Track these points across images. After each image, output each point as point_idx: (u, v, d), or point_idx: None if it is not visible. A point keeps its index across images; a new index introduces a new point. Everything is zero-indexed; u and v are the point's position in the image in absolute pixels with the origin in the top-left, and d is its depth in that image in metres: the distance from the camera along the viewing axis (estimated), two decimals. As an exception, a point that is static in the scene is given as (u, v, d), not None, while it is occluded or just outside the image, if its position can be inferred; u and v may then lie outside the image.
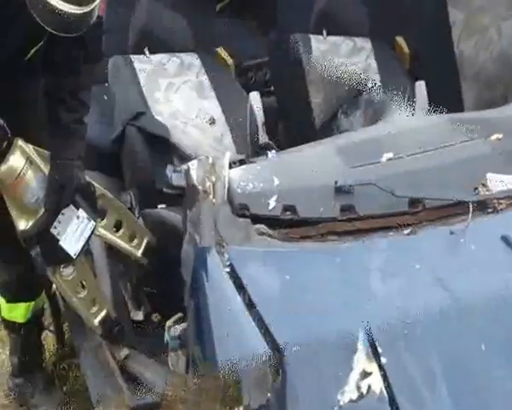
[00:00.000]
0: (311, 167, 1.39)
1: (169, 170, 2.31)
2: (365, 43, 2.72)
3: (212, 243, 1.27)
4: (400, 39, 2.77)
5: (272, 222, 1.32)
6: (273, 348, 1.11)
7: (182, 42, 2.79)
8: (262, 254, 1.24)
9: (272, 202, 1.32)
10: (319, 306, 1.16)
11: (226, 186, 1.33)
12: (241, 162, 1.46)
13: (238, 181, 1.34)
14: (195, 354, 1.27)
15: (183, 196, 1.53)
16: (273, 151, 1.46)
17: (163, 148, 2.31)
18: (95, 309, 1.98)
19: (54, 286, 2.15)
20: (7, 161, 1.71)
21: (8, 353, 2.38)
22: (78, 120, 1.79)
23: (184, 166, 1.37)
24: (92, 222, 1.88)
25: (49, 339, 2.41)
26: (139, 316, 2.12)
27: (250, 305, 1.17)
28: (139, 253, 2.06)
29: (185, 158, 2.28)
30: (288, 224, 1.32)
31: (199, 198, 1.31)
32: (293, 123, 2.51)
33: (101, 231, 1.99)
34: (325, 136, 2.51)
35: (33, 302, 2.13)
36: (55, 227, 1.79)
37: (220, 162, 1.35)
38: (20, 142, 1.73)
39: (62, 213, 1.80)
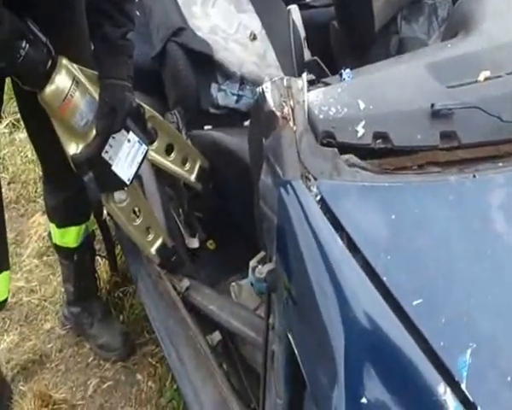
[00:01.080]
0: (400, 88, 1.22)
1: (214, 89, 2.18)
2: None
3: (297, 175, 1.12)
4: None
5: (362, 152, 1.16)
6: (386, 298, 0.97)
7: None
8: (359, 188, 1.08)
9: (361, 129, 1.15)
10: (439, 255, 1.01)
11: (306, 111, 1.17)
12: (311, 83, 1.28)
13: (318, 105, 1.17)
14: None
15: (251, 119, 1.38)
16: (347, 70, 1.28)
17: (206, 65, 2.18)
18: (150, 237, 1.93)
19: (105, 212, 2.07)
20: (52, 82, 1.61)
21: (59, 279, 2.33)
22: (125, 36, 1.67)
23: (258, 89, 1.19)
24: (144, 146, 1.81)
25: (100, 266, 2.37)
26: (194, 243, 2.06)
27: (352, 248, 1.02)
28: (193, 177, 2.01)
29: (230, 76, 2.17)
30: (380, 153, 1.16)
31: (277, 125, 1.15)
32: (352, 29, 2.30)
33: (153, 155, 1.92)
34: (383, 42, 2.37)
35: (84, 225, 2.10)
36: (107, 152, 1.72)
37: (296, 84, 1.19)
38: (65, 61, 1.62)
39: (113, 137, 1.71)
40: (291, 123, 1.13)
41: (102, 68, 1.73)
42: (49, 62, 1.62)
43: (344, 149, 1.14)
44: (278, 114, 1.14)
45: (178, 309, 1.86)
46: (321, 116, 1.15)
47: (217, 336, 1.82)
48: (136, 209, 1.95)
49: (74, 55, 1.70)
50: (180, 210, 2.19)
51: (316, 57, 2.54)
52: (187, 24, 2.27)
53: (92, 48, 1.76)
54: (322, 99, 1.18)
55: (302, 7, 2.64)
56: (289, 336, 1.11)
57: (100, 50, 1.73)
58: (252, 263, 1.21)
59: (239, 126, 2.27)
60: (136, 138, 1.82)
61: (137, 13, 2.38)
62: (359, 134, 1.15)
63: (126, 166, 1.80)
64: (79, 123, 1.71)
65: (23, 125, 2.16)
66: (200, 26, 2.30)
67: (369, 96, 1.18)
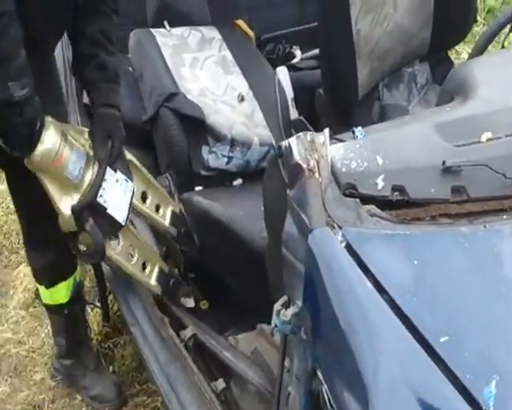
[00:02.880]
0: (413, 146, 1.34)
1: (205, 151, 2.27)
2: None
3: (323, 224, 1.21)
4: (241, 22, 2.73)
5: (380, 202, 1.26)
6: (414, 336, 1.06)
7: (199, 14, 2.73)
8: (382, 236, 1.18)
9: (380, 182, 1.26)
10: (459, 296, 1.11)
11: (330, 164, 1.27)
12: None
13: (340, 159, 1.28)
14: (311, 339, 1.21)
15: (264, 175, 1.47)
16: (359, 129, 1.39)
17: (198, 129, 2.28)
18: (148, 270, 1.98)
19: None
20: (43, 141, 1.64)
21: (46, 330, 2.34)
22: (118, 65, 1.78)
23: (284, 144, 1.28)
24: (130, 183, 1.85)
25: (91, 316, 2.41)
26: (190, 303, 2.10)
27: (380, 290, 1.11)
28: (167, 223, 2.05)
29: (221, 139, 2.25)
30: (397, 204, 1.26)
31: (303, 176, 1.24)
32: (337, 97, 2.43)
33: (133, 201, 1.92)
34: (366, 109, 2.50)
35: (72, 278, 2.10)
36: (101, 195, 1.74)
37: (319, 139, 1.29)
38: (51, 118, 1.66)
39: (105, 179, 1.74)
40: (316, 175, 1.22)
41: (100, 96, 1.81)
42: (38, 123, 1.66)
43: (365, 199, 1.24)
44: (304, 166, 1.23)
45: (181, 356, 1.91)
46: (343, 169, 1.25)
47: (221, 383, 1.87)
48: (132, 247, 1.98)
49: (51, 109, 1.75)
50: (176, 271, 2.25)
51: (301, 117, 2.66)
52: (178, 88, 2.37)
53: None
54: (343, 153, 1.28)
55: (290, 68, 2.78)
56: (318, 375, 1.18)
57: (97, 79, 1.80)
58: (276, 307, 1.27)
59: (228, 186, 2.39)
60: (123, 177, 1.85)
61: (130, 68, 2.48)
62: (379, 187, 1.25)
63: (119, 207, 1.82)
64: (73, 173, 1.74)
65: (3, 176, 2.15)
66: (190, 89, 2.41)
67: (386, 152, 1.29)
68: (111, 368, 2.36)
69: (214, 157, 2.35)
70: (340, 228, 1.20)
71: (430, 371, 1.03)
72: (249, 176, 2.45)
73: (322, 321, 1.18)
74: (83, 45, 1.81)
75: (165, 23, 2.62)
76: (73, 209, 1.73)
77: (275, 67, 2.74)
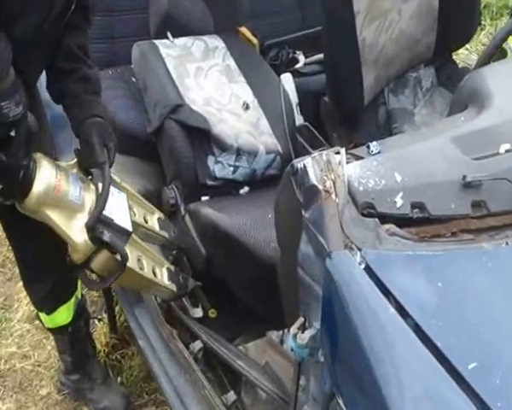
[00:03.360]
0: (431, 161, 1.29)
1: (211, 161, 2.23)
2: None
3: (341, 246, 1.16)
4: (244, 30, 2.67)
5: (399, 221, 1.21)
6: (441, 361, 1.01)
7: (202, 24, 2.69)
8: (404, 257, 1.13)
9: (399, 200, 1.21)
10: (486, 319, 1.06)
11: (347, 184, 1.22)
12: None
13: (357, 178, 1.23)
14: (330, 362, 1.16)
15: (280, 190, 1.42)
16: (374, 143, 1.34)
17: (203, 139, 2.23)
18: (159, 274, 1.92)
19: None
20: (39, 176, 1.59)
21: (52, 343, 2.31)
22: (98, 76, 1.74)
23: (299, 165, 1.24)
24: (123, 194, 1.82)
25: (98, 329, 2.37)
26: (198, 313, 2.06)
27: (403, 314, 1.06)
28: (157, 228, 2.01)
29: (227, 148, 2.21)
30: (416, 222, 1.22)
31: (320, 198, 1.20)
32: (343, 104, 2.41)
33: None
34: (372, 114, 2.46)
35: (73, 298, 2.05)
36: (109, 193, 1.71)
37: (335, 158, 1.24)
38: (39, 153, 1.62)
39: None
40: (333, 196, 1.18)
41: (87, 108, 1.75)
42: (31, 162, 1.60)
43: (383, 218, 1.19)
44: (320, 187, 1.19)
45: (191, 369, 1.87)
46: (361, 188, 1.21)
47: (232, 395, 1.84)
48: (140, 256, 1.92)
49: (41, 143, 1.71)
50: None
51: (307, 123, 2.62)
52: (183, 99, 2.32)
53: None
54: (359, 172, 1.23)
55: (294, 74, 2.74)
56: (337, 400, 1.13)
57: (81, 92, 1.74)
58: (292, 330, 1.23)
59: (235, 195, 2.34)
60: (114, 189, 1.82)
61: (133, 79, 2.44)
62: (398, 204, 1.20)
63: (122, 215, 1.80)
64: (75, 194, 1.69)
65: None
66: (194, 99, 2.36)
67: (404, 168, 1.24)
68: (119, 379, 2.33)
69: (220, 167, 2.31)
70: (358, 249, 1.15)
71: (458, 398, 0.99)
72: (255, 184, 2.40)
73: (342, 345, 1.14)
74: (60, 60, 1.73)
75: (168, 34, 2.58)
76: (87, 226, 1.66)
77: (279, 73, 2.70)
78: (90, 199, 1.72)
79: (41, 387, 2.35)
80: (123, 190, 1.91)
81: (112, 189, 1.76)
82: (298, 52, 3.06)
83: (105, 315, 2.41)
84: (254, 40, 2.82)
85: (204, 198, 2.31)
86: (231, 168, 2.33)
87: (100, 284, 1.76)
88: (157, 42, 2.54)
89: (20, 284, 2.68)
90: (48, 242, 1.73)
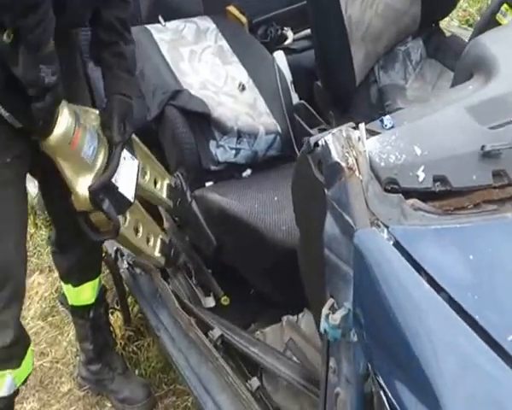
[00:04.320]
0: (449, 132, 1.27)
1: (212, 146, 2.20)
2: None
3: (367, 223, 1.14)
4: (232, 9, 2.65)
5: (422, 195, 1.20)
6: (480, 335, 1.00)
7: (191, 5, 2.65)
8: (432, 231, 1.12)
9: (421, 174, 1.20)
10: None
11: (368, 160, 1.20)
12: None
13: (378, 154, 1.21)
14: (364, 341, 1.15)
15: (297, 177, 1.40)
16: (388, 117, 1.32)
17: (203, 124, 2.21)
18: (152, 243, 1.98)
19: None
20: (59, 123, 1.63)
21: (68, 339, 2.29)
22: (135, 54, 1.78)
23: (319, 142, 1.21)
24: (136, 160, 1.84)
25: (112, 321, 2.35)
26: (211, 303, 2.05)
27: (437, 288, 1.05)
28: (164, 195, 2.05)
29: (227, 131, 2.18)
30: (438, 195, 1.20)
31: (343, 175, 1.18)
32: (335, 85, 2.39)
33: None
34: (364, 94, 2.45)
35: (97, 279, 2.09)
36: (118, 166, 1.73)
37: (354, 134, 1.22)
38: (63, 100, 1.65)
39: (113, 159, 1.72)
40: (356, 173, 1.16)
41: (116, 85, 1.80)
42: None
43: (406, 193, 1.17)
44: (343, 164, 1.16)
45: (212, 356, 1.86)
46: (382, 164, 1.19)
47: (255, 381, 1.82)
48: (137, 222, 1.98)
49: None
50: (192, 271, 2.19)
51: (303, 101, 2.59)
52: (180, 84, 2.30)
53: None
54: (379, 147, 1.21)
55: (286, 51, 2.71)
56: (375, 379, 1.12)
57: (114, 65, 1.79)
58: (324, 311, 1.22)
59: (238, 179, 2.33)
60: (129, 154, 1.86)
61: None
62: (420, 179, 1.19)
63: (127, 185, 1.83)
64: (88, 153, 1.73)
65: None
66: (191, 83, 2.33)
67: (423, 141, 1.23)
68: (137, 371, 2.31)
69: (222, 151, 2.28)
70: (385, 226, 1.13)
71: (499, 369, 0.98)
72: (257, 166, 2.38)
73: (376, 323, 1.13)
74: (100, 30, 1.79)
75: (160, 17, 2.53)
76: (90, 190, 1.72)
77: (269, 51, 2.67)
78: (100, 160, 1.76)
79: (61, 384, 2.34)
80: (139, 151, 1.94)
81: (125, 154, 1.81)
82: (286, 28, 3.02)
83: (117, 307, 2.39)
84: (243, 19, 2.79)
85: (208, 184, 2.28)
86: (233, 151, 2.31)
87: (94, 235, 1.81)
88: (149, 26, 2.50)
89: (31, 280, 2.69)
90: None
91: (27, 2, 1.46)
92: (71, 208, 1.76)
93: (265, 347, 1.92)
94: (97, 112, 1.85)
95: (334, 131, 1.22)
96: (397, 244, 1.11)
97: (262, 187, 2.21)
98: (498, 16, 3.07)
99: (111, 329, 2.28)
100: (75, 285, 2.12)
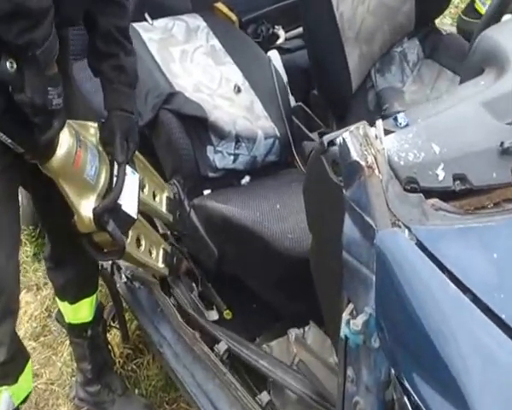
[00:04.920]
0: (466, 129, 1.31)
1: (210, 152, 2.23)
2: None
3: (388, 224, 1.19)
4: (221, 6, 2.68)
5: (441, 194, 1.24)
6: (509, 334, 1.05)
7: (179, 2, 2.67)
8: (455, 231, 1.16)
9: (441, 172, 1.23)
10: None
11: (387, 159, 1.24)
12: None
13: (396, 152, 1.25)
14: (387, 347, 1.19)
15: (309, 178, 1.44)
16: (402, 115, 1.36)
17: (200, 128, 2.22)
18: (154, 254, 2.01)
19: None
20: (60, 146, 1.64)
21: (62, 359, 2.30)
22: (136, 66, 1.78)
23: (339, 140, 1.25)
24: (137, 174, 1.87)
25: (110, 340, 2.36)
26: (214, 316, 2.08)
27: (463, 289, 1.09)
28: (163, 209, 2.07)
29: (225, 136, 2.20)
30: (458, 195, 1.25)
31: (362, 175, 1.21)
32: (330, 93, 2.44)
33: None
34: (362, 99, 2.49)
35: (95, 295, 2.10)
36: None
37: (371, 132, 1.26)
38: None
39: (116, 176, 1.74)
40: (376, 172, 1.19)
41: (117, 99, 1.81)
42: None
43: (427, 193, 1.22)
44: (363, 163, 1.19)
45: (220, 371, 1.88)
46: (401, 162, 1.22)
47: (265, 396, 1.85)
48: (140, 235, 2.01)
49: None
50: (194, 285, 2.22)
51: (300, 103, 2.63)
52: (172, 86, 2.30)
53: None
54: (397, 145, 1.25)
55: (279, 51, 2.74)
56: (402, 383, 1.16)
57: (114, 79, 1.79)
58: (344, 316, 1.25)
59: (237, 186, 2.35)
60: (130, 169, 1.87)
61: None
62: (440, 177, 1.22)
63: (130, 201, 1.85)
64: (90, 173, 1.75)
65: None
66: (183, 85, 2.34)
67: (441, 139, 1.26)
68: (136, 391, 2.33)
69: (220, 157, 2.30)
70: (406, 227, 1.17)
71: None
72: (256, 172, 2.41)
73: (401, 326, 1.16)
74: (98, 40, 1.78)
75: (147, 15, 2.55)
76: (95, 213, 1.74)
77: (264, 51, 2.70)
78: (103, 179, 1.78)
79: (58, 406, 2.34)
80: (138, 162, 1.96)
81: (128, 170, 1.83)
82: (277, 27, 3.06)
83: (114, 324, 2.41)
84: (233, 16, 2.81)
85: (206, 192, 2.31)
86: (231, 157, 2.33)
87: (98, 256, 1.85)
88: (136, 25, 2.48)
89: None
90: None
91: (31, 14, 1.45)
92: (71, 228, 1.78)
93: (274, 360, 1.95)
94: (96, 125, 1.85)
95: (352, 128, 1.26)
96: (420, 245, 1.14)
97: (263, 194, 2.23)
98: (477, 4, 3.12)
99: (109, 348, 2.29)
100: (72, 302, 2.12)
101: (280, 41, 3.03)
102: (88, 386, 2.25)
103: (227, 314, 2.17)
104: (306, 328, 2.05)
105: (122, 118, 1.80)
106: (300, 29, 2.98)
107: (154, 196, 2.09)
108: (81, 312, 2.14)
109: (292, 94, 2.65)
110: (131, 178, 1.87)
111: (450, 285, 1.09)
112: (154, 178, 2.11)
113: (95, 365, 2.20)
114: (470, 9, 3.27)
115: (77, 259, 2.02)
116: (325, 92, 2.45)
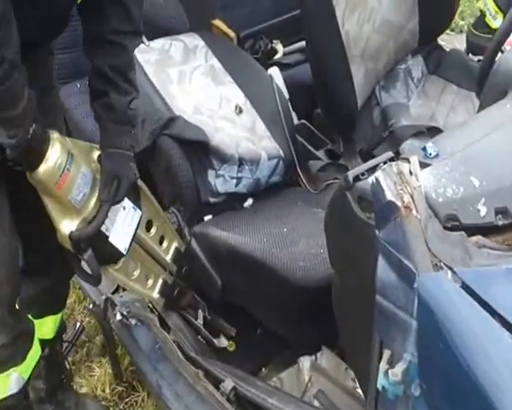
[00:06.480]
0: (503, 159, 1.29)
1: (211, 176, 2.18)
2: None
3: (429, 267, 1.14)
4: (219, 23, 2.69)
5: (483, 230, 1.20)
6: None
7: (176, 21, 2.63)
8: (503, 271, 1.12)
9: (482, 207, 1.20)
10: None
11: (424, 196, 1.19)
12: (391, 161, 1.31)
13: (433, 188, 1.21)
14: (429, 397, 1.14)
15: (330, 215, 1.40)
16: (431, 144, 1.31)
17: (201, 153, 2.19)
18: (150, 282, 2.00)
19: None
20: (48, 159, 1.60)
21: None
22: (130, 105, 1.74)
23: (371, 180, 1.20)
24: (138, 211, 1.86)
25: (100, 377, 2.31)
26: (223, 342, 2.03)
27: (512, 332, 1.05)
28: (168, 258, 2.06)
29: (227, 159, 2.16)
30: (499, 229, 1.20)
31: (399, 215, 1.17)
32: (335, 111, 2.43)
33: None
34: (367, 117, 2.47)
35: (59, 314, 2.08)
36: (104, 223, 1.73)
37: (405, 168, 1.22)
38: (57, 134, 1.63)
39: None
40: (414, 211, 1.15)
41: (107, 137, 1.78)
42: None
43: (468, 230, 1.17)
44: (399, 204, 1.15)
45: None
46: (440, 199, 1.19)
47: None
48: (133, 263, 1.98)
49: (52, 124, 1.72)
50: (200, 313, 2.17)
51: (304, 120, 2.60)
52: (171, 110, 2.27)
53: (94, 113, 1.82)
54: (433, 180, 1.22)
55: (279, 66, 2.73)
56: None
57: (105, 118, 1.77)
58: (382, 366, 1.20)
59: (239, 210, 2.31)
60: (131, 204, 1.86)
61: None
62: (482, 213, 1.19)
63: (122, 235, 1.83)
64: (76, 198, 1.71)
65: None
66: (182, 108, 2.30)
67: (478, 171, 1.24)
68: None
69: (222, 181, 2.26)
70: (449, 269, 1.13)
71: None
72: (259, 194, 2.37)
73: (446, 373, 1.12)
74: (92, 77, 1.78)
75: (143, 37, 2.50)
76: (71, 238, 1.71)
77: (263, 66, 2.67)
78: (91, 207, 1.74)
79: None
80: (149, 204, 1.95)
81: (126, 203, 1.82)
82: (275, 41, 3.03)
83: (104, 360, 2.34)
84: (231, 33, 2.79)
85: (207, 218, 2.25)
86: (234, 181, 2.29)
87: (79, 273, 1.83)
88: None
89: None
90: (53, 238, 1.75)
91: None
92: (49, 241, 1.76)
93: (285, 396, 1.90)
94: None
95: (384, 166, 1.21)
96: (465, 287, 1.11)
97: (267, 218, 2.19)
98: (488, 18, 3.16)
99: (67, 366, 2.26)
100: (36, 317, 2.05)
101: (278, 56, 2.99)
102: (41, 404, 2.20)
103: (230, 346, 2.13)
104: (318, 354, 2.01)
105: (112, 155, 1.76)
106: (298, 44, 2.96)
107: (161, 242, 2.06)
108: (44, 328, 2.09)
109: (293, 110, 2.61)
110: (130, 214, 1.86)
111: (503, 332, 1.04)
112: (167, 226, 2.09)
113: (49, 385, 2.16)
114: (480, 23, 3.28)
115: (50, 273, 2.00)
116: (330, 111, 2.44)
